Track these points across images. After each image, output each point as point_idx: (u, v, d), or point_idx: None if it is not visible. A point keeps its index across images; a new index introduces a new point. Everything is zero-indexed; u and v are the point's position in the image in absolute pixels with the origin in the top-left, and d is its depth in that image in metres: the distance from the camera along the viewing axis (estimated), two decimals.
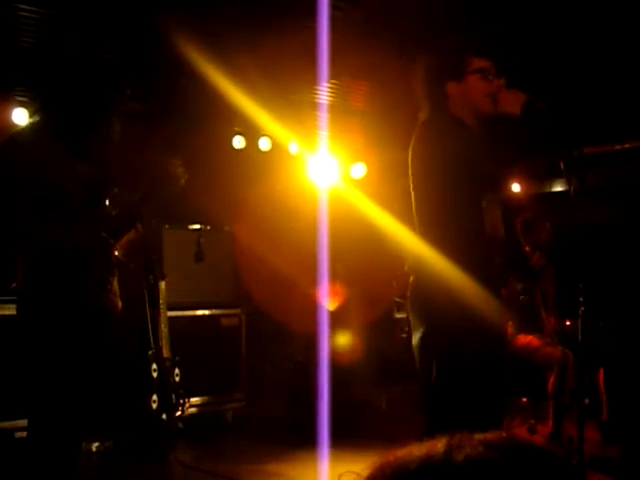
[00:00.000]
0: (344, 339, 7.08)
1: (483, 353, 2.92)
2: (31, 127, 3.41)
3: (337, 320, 6.98)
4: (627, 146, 6.59)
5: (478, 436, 0.89)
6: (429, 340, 3.06)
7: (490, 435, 0.89)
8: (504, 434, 0.90)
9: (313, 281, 6.67)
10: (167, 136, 5.46)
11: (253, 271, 6.93)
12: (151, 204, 3.41)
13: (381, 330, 7.51)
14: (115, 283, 3.36)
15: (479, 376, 2.92)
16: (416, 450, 0.88)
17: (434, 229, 3.07)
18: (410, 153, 3.16)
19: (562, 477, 0.86)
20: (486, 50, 3.23)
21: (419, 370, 3.14)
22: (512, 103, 3.10)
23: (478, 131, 3.14)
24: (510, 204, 5.83)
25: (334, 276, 6.93)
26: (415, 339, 3.13)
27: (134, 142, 5.44)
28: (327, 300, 6.70)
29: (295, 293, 6.91)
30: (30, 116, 3.56)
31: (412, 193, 3.18)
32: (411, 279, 3.17)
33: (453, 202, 3.00)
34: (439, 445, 0.88)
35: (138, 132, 5.57)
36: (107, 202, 3.32)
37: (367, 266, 7.41)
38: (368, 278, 7.39)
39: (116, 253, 3.35)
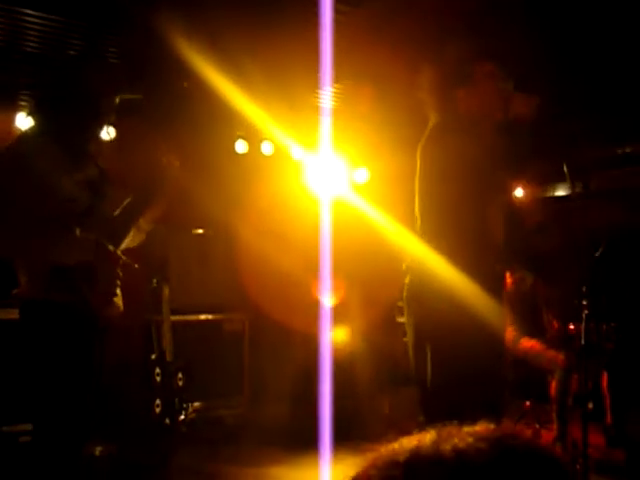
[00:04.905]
0: (345, 340, 7.10)
1: (479, 352, 2.90)
2: (29, 135, 3.39)
3: (339, 324, 6.99)
4: (628, 150, 6.60)
5: (467, 428, 0.89)
6: (424, 339, 3.05)
7: (479, 427, 0.90)
8: (492, 427, 0.90)
9: (316, 284, 6.66)
10: (164, 136, 5.45)
11: (256, 275, 6.93)
12: (149, 203, 3.41)
13: (383, 334, 7.50)
14: (118, 289, 3.35)
15: (475, 375, 2.89)
16: (406, 442, 0.89)
17: (436, 229, 3.06)
18: (419, 152, 3.16)
19: (547, 468, 0.87)
20: (492, 53, 3.22)
21: (413, 369, 3.14)
22: (523, 106, 3.09)
23: (491, 134, 3.13)
24: (518, 208, 5.84)
25: (337, 280, 6.93)
26: (410, 338, 3.14)
27: (133, 143, 5.44)
28: (328, 299, 6.69)
29: (298, 296, 6.90)
30: (28, 115, 3.54)
31: (417, 191, 3.17)
32: (406, 280, 3.16)
33: (458, 203, 2.99)
34: (428, 437, 0.89)
35: (138, 133, 5.59)
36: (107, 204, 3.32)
37: (369, 269, 7.40)
38: (370, 281, 7.39)
39: (119, 253, 3.33)
